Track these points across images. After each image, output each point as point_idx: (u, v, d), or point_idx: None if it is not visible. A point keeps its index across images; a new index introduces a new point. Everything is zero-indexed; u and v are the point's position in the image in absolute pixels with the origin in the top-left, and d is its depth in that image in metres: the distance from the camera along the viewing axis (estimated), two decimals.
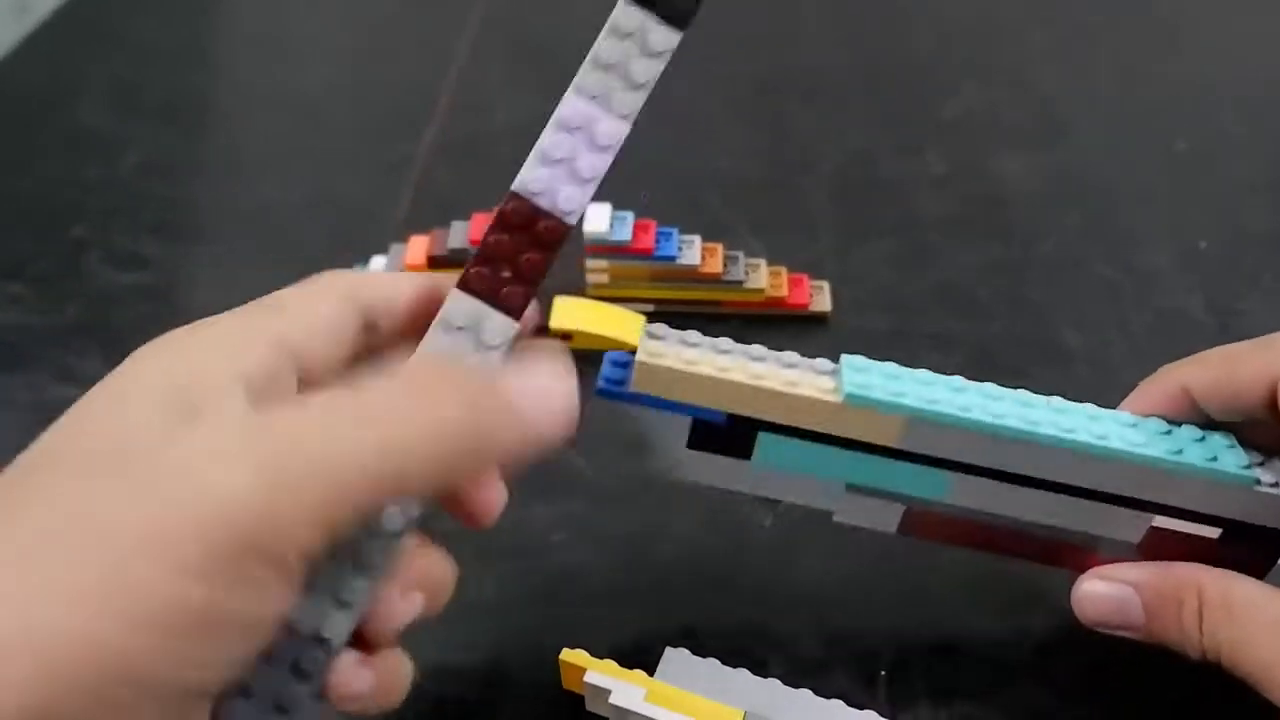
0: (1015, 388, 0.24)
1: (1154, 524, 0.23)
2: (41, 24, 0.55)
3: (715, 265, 0.36)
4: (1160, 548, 0.24)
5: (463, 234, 0.36)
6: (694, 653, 0.26)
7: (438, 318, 0.20)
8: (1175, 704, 0.26)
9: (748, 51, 0.53)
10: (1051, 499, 0.23)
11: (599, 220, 0.36)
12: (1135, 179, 0.44)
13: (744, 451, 0.23)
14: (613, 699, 0.24)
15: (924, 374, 0.23)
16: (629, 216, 0.36)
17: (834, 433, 0.23)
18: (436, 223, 0.37)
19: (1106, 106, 0.49)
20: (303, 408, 0.17)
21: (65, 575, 0.15)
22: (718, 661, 0.25)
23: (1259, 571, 0.23)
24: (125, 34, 0.55)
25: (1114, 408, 0.25)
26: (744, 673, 0.25)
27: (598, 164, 0.20)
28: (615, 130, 0.20)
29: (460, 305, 0.20)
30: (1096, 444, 0.22)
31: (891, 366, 0.23)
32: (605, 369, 0.24)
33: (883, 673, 0.27)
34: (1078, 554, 0.25)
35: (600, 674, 0.25)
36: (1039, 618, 0.28)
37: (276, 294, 0.21)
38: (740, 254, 0.37)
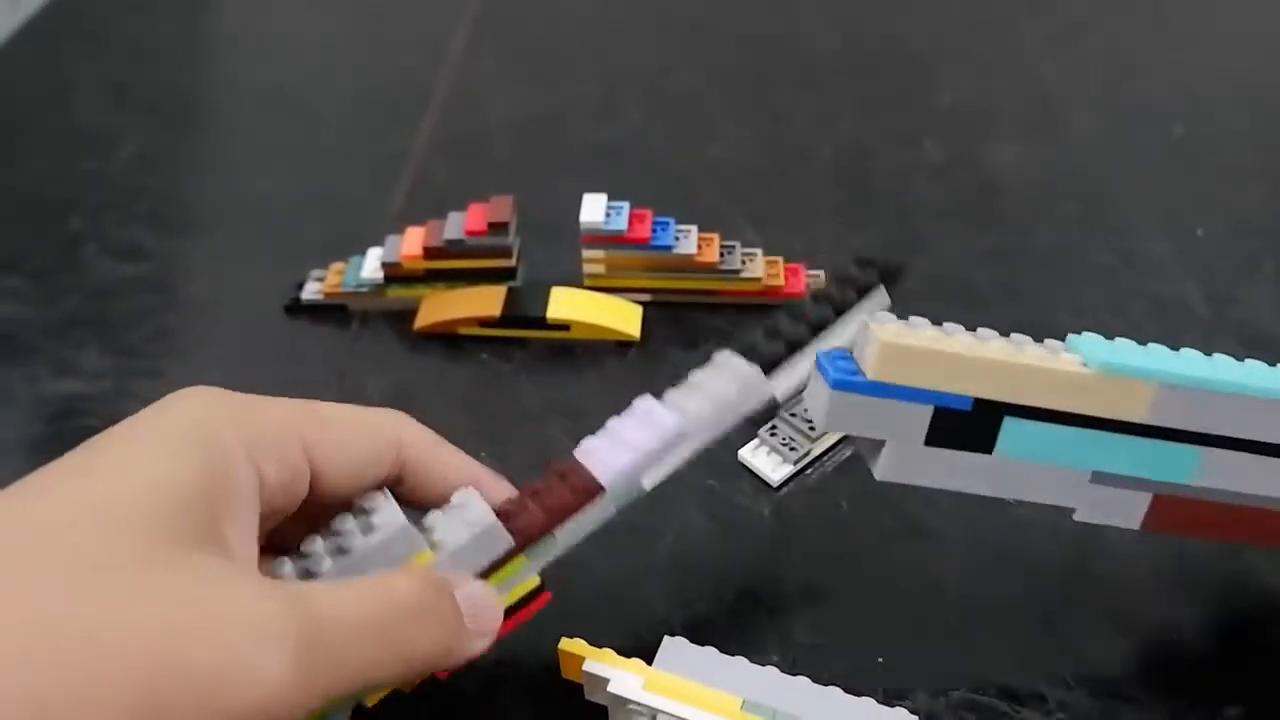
0: None
1: None
2: (32, 18, 0.55)
3: (711, 255, 0.36)
4: None
5: (459, 225, 0.36)
6: (692, 641, 0.26)
7: (457, 505, 0.22)
8: (1170, 682, 0.26)
9: (744, 41, 0.53)
10: None
11: (594, 210, 0.36)
12: (1132, 166, 0.44)
13: (986, 443, 0.22)
14: (611, 688, 0.24)
15: (1158, 348, 0.23)
16: (625, 206, 0.36)
17: (1084, 411, 0.22)
18: (432, 214, 0.37)
19: (1103, 94, 0.49)
20: (336, 600, 0.19)
21: None
22: (715, 650, 0.26)
23: None
24: (117, 28, 0.55)
25: None
26: (741, 660, 0.25)
27: (644, 439, 0.23)
28: (670, 420, 0.22)
29: (477, 510, 0.22)
30: None
31: (1124, 341, 0.23)
32: (832, 362, 0.22)
33: (880, 660, 0.27)
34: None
35: (599, 663, 0.25)
36: (1036, 604, 0.28)
37: (320, 407, 0.22)
38: (737, 243, 0.37)
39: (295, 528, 0.22)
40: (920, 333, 0.22)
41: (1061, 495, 0.23)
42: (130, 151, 0.46)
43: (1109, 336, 0.23)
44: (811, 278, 0.37)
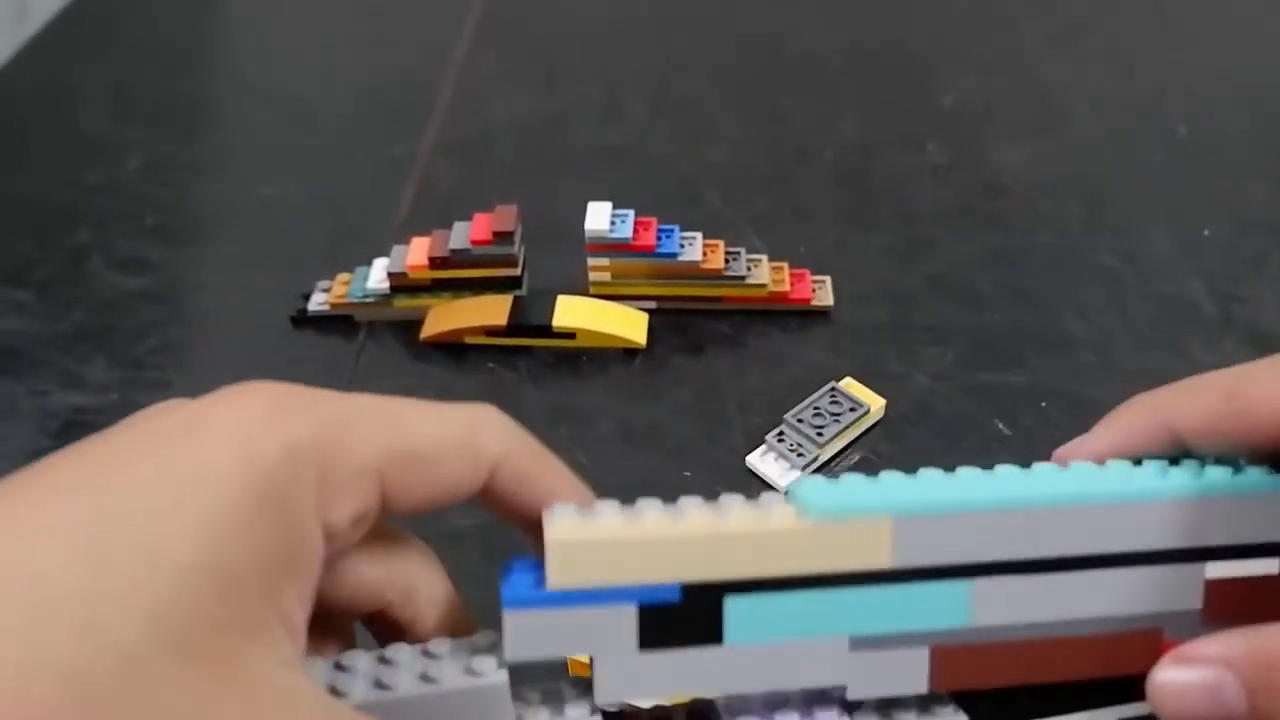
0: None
1: (1208, 577, 0.20)
2: (40, 30, 0.55)
3: (717, 261, 0.36)
4: (1226, 606, 0.20)
5: (464, 234, 0.36)
6: None
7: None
8: None
9: (746, 43, 0.53)
10: (1088, 581, 0.20)
11: (600, 218, 0.36)
12: (1136, 166, 0.44)
13: (712, 633, 0.18)
14: None
15: (890, 475, 0.20)
16: (629, 215, 0.36)
17: (815, 570, 0.18)
18: (437, 222, 0.37)
19: (1106, 94, 0.48)
20: None
21: None
22: None
23: None
24: (124, 38, 0.55)
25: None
26: None
27: None
28: None
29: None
30: (1121, 489, 0.19)
31: (851, 477, 0.20)
32: (512, 574, 0.18)
33: None
34: (1144, 645, 0.20)
35: None
36: None
37: (388, 400, 0.18)
38: (741, 250, 0.37)
39: None
40: (603, 520, 0.18)
41: (822, 674, 0.19)
42: (136, 162, 0.46)
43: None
44: (817, 283, 0.37)
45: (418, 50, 0.53)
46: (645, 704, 0.20)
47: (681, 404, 0.34)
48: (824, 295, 0.37)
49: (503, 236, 0.36)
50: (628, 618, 0.18)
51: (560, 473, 0.20)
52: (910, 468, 0.22)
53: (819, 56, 0.52)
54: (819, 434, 0.31)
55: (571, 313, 0.36)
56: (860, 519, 0.19)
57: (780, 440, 0.32)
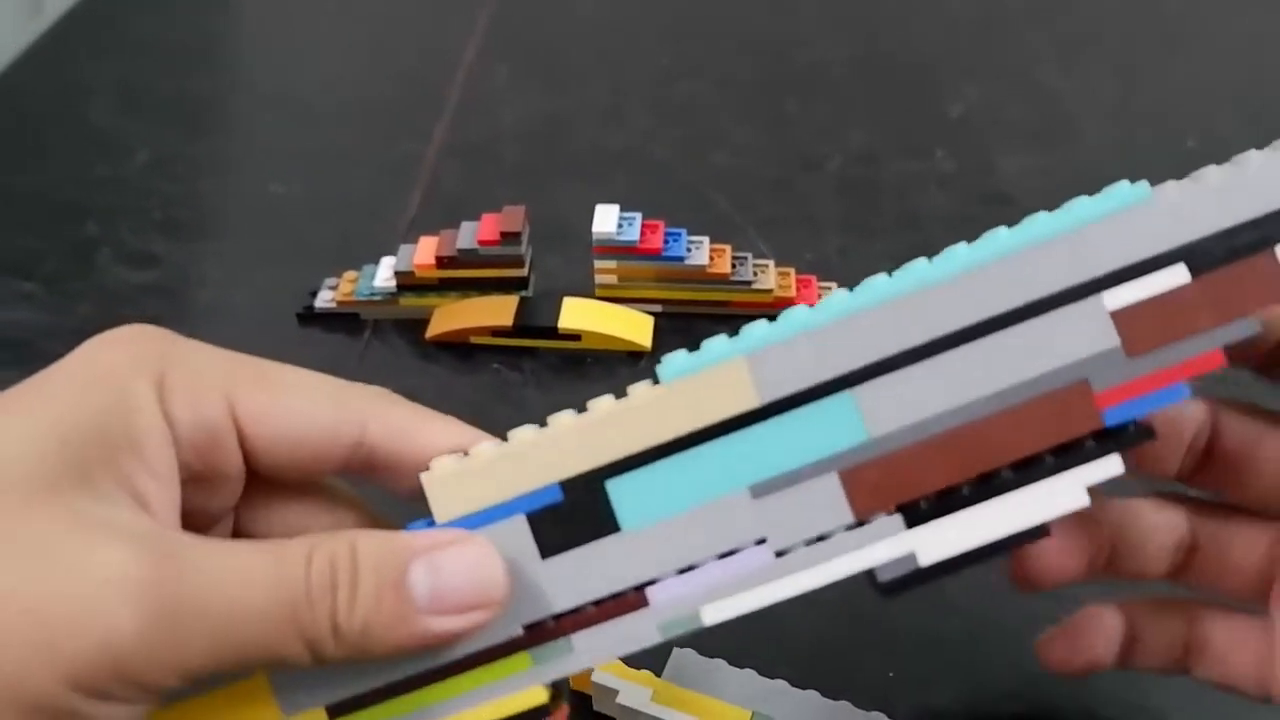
0: None
1: (1110, 308, 0.17)
2: (52, 25, 0.56)
3: (723, 266, 0.36)
4: (1148, 334, 0.18)
5: (471, 235, 0.36)
6: (701, 653, 0.26)
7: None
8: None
9: (753, 51, 0.53)
10: (979, 353, 0.18)
11: (607, 221, 0.36)
12: (1144, 177, 0.44)
13: (606, 523, 0.18)
14: (620, 699, 0.24)
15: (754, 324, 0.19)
16: (637, 218, 0.36)
17: (686, 430, 0.18)
18: (444, 223, 0.38)
19: (1115, 104, 0.48)
20: (217, 565, 0.17)
21: None
22: (724, 662, 0.26)
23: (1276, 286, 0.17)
24: (134, 35, 0.56)
25: None
26: (751, 673, 0.25)
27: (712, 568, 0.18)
28: (754, 559, 0.18)
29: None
30: (976, 251, 0.18)
31: (710, 339, 0.18)
32: (408, 528, 0.19)
33: (892, 674, 0.27)
34: (1074, 404, 0.18)
35: (608, 674, 0.25)
36: (1049, 617, 0.28)
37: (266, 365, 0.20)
38: (748, 255, 0.37)
39: (251, 516, 0.20)
40: (476, 452, 0.18)
41: (736, 534, 0.18)
42: (145, 157, 0.46)
43: None
44: (824, 289, 0.37)
45: (428, 51, 0.54)
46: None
47: None
48: None
49: (510, 237, 0.36)
50: (521, 530, 0.18)
51: (462, 428, 0.19)
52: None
53: (826, 63, 0.52)
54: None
55: (577, 315, 0.36)
56: (713, 368, 0.18)
57: None
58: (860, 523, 0.18)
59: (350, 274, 0.38)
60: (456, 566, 0.17)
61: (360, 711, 0.18)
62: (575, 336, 0.36)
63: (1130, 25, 0.55)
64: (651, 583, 0.18)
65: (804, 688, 0.25)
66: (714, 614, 0.18)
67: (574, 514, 0.18)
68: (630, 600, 0.18)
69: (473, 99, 0.50)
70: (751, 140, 0.47)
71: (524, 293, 0.37)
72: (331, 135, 0.48)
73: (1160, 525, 0.21)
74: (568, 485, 0.18)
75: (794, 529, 0.18)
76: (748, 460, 0.18)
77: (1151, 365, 0.17)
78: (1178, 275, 0.17)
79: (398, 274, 0.37)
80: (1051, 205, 0.19)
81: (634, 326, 0.36)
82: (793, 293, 0.37)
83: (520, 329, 0.36)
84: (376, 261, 0.38)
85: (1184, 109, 0.48)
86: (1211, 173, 0.18)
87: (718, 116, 0.49)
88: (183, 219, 0.43)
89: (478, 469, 0.18)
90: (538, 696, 0.18)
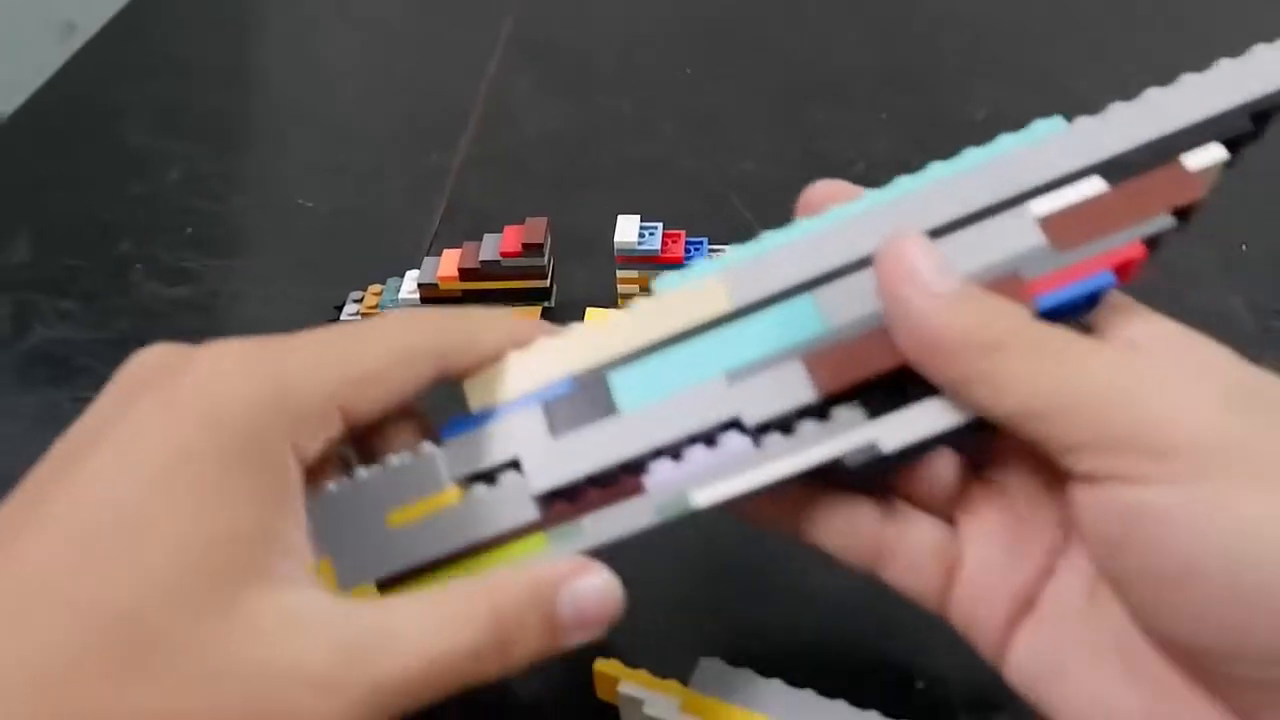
0: None
1: (1037, 214, 0.20)
2: (84, 45, 0.57)
3: None
4: (1070, 233, 0.20)
5: (494, 247, 0.37)
6: (728, 662, 0.26)
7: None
8: None
9: (776, 57, 0.53)
10: None
11: (629, 231, 0.36)
12: None
13: (607, 407, 0.21)
14: (647, 709, 0.24)
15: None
16: (658, 228, 0.37)
17: (670, 332, 0.21)
18: (469, 235, 0.38)
19: None
20: (380, 619, 0.18)
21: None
22: (752, 671, 0.25)
23: (1186, 187, 0.20)
24: (167, 53, 0.57)
25: None
26: (778, 683, 0.25)
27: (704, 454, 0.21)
28: (737, 445, 0.21)
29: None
30: (912, 181, 0.21)
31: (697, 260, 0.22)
32: (449, 423, 0.22)
33: (919, 684, 0.26)
34: (1008, 293, 0.20)
35: (634, 684, 0.25)
36: None
37: (335, 334, 0.21)
38: None
39: None
40: (510, 358, 0.22)
41: (714, 411, 0.21)
42: (178, 175, 0.47)
43: None
44: None
45: (451, 66, 0.54)
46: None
47: None
48: None
49: (532, 249, 0.36)
50: (536, 417, 0.21)
51: (495, 324, 0.22)
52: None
53: (850, 70, 0.52)
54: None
55: None
56: (692, 284, 0.21)
57: None
58: (824, 402, 0.20)
59: (375, 287, 0.39)
60: (589, 594, 0.20)
61: (401, 585, 0.21)
62: None
63: (1154, 29, 0.54)
64: (644, 469, 0.21)
65: (832, 697, 0.25)
66: (703, 497, 0.20)
67: (581, 401, 0.21)
68: (629, 486, 0.21)
69: (495, 111, 0.50)
70: (774, 148, 0.47)
71: (546, 303, 0.37)
72: (357, 151, 0.49)
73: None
74: (578, 379, 0.21)
75: (763, 407, 0.20)
76: (724, 353, 0.21)
77: (1077, 257, 0.20)
78: (1095, 185, 0.20)
79: (421, 286, 0.37)
80: None
81: None
82: None
83: None
84: (401, 275, 0.38)
85: None
86: (1116, 107, 0.21)
87: (741, 125, 0.49)
88: (215, 235, 0.44)
89: (504, 369, 0.22)
90: None
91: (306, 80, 0.55)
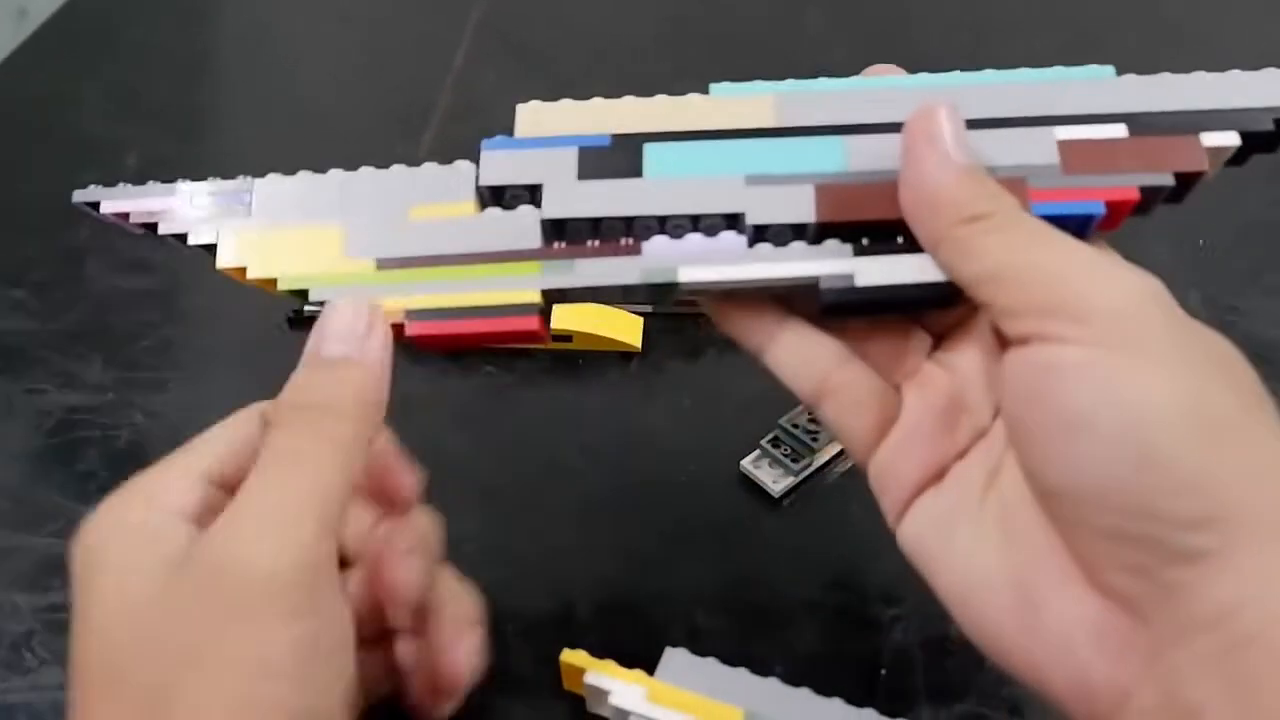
0: None
1: (1059, 138, 0.22)
2: (39, 29, 0.55)
3: None
4: (1080, 162, 0.22)
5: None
6: (694, 652, 0.26)
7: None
8: None
9: (751, 52, 0.53)
10: None
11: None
12: None
13: (634, 169, 0.23)
14: (613, 699, 0.24)
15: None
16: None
17: (714, 126, 0.23)
18: None
19: None
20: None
21: None
22: (717, 661, 0.26)
23: (1195, 157, 0.22)
24: (123, 38, 0.55)
25: None
26: (744, 672, 0.25)
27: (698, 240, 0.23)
28: (735, 242, 0.23)
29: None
30: (967, 77, 0.23)
31: (758, 82, 0.24)
32: (494, 138, 0.24)
33: (883, 672, 0.27)
34: (1012, 190, 0.22)
35: (600, 674, 0.25)
36: None
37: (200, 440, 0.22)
38: None
39: None
40: (560, 103, 0.24)
41: (726, 202, 0.22)
42: (135, 162, 0.46)
43: None
44: None
45: (417, 55, 0.53)
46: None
47: (677, 408, 0.34)
48: None
49: None
50: (569, 157, 0.23)
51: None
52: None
53: (828, 65, 0.52)
54: (813, 439, 0.31)
55: (568, 316, 0.36)
56: (751, 95, 0.23)
57: (775, 446, 0.32)
58: (820, 231, 0.22)
59: None
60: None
61: (400, 270, 0.23)
62: (567, 338, 0.36)
63: (1132, 26, 0.55)
64: (645, 236, 0.22)
65: (796, 685, 0.25)
66: (688, 274, 0.22)
67: (614, 157, 0.23)
68: (626, 245, 0.22)
69: (462, 103, 0.50)
70: None
71: None
72: (320, 140, 0.48)
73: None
74: (617, 139, 0.23)
75: (767, 213, 0.22)
76: (752, 159, 0.23)
77: (1080, 183, 0.22)
78: (1118, 130, 0.22)
79: None
80: None
81: (624, 327, 0.36)
82: None
83: None
84: None
85: None
86: (1164, 76, 0.23)
87: None
88: None
89: (555, 108, 0.24)
90: (533, 296, 0.22)
91: (267, 67, 0.54)
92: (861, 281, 0.21)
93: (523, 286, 0.22)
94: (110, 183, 0.26)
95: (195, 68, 0.54)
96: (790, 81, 0.24)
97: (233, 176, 0.26)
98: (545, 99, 0.25)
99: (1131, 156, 0.22)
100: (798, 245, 0.22)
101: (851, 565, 0.29)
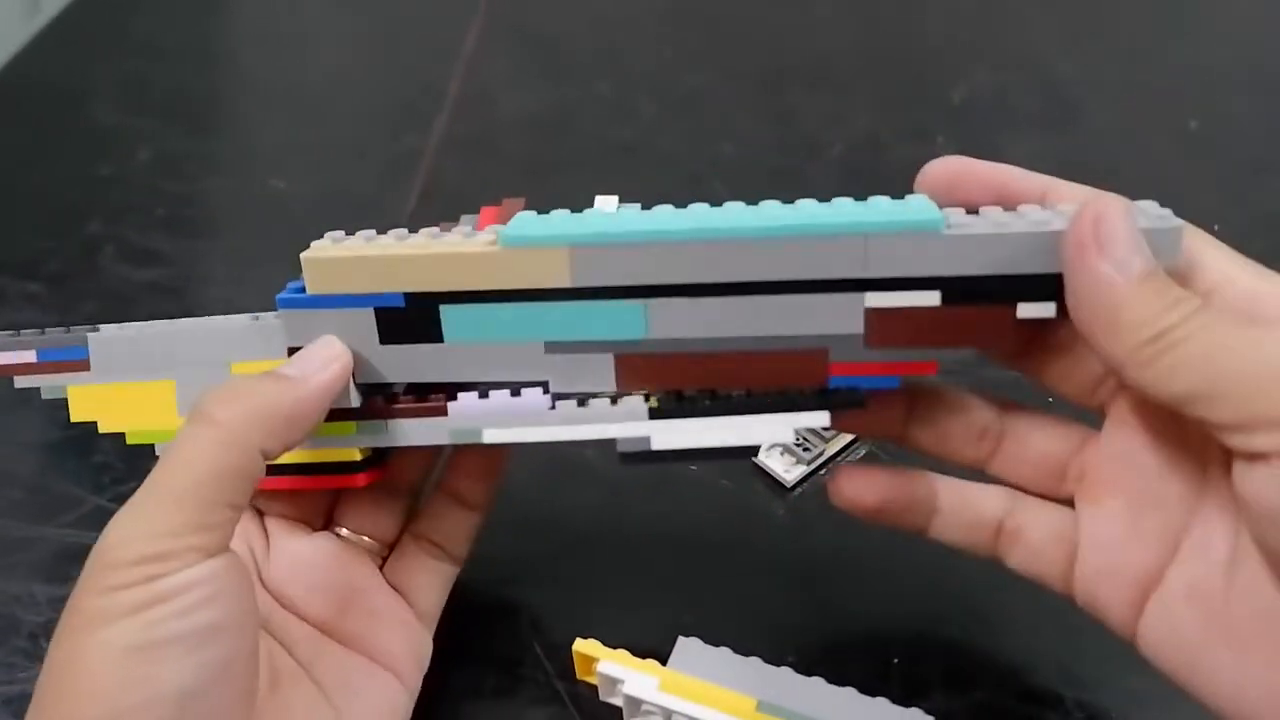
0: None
1: (867, 306, 0.21)
2: (52, 22, 0.56)
3: None
4: (887, 334, 0.21)
5: (471, 228, 0.36)
6: (706, 641, 0.26)
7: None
8: None
9: (756, 38, 0.53)
10: (755, 305, 0.22)
11: (605, 209, 0.36)
12: (1147, 161, 0.44)
13: (434, 333, 0.23)
14: (625, 689, 0.24)
15: (591, 211, 0.24)
16: (636, 209, 0.36)
17: (507, 286, 0.22)
18: (444, 216, 0.37)
19: (1117, 88, 0.48)
20: None
21: None
22: (730, 650, 0.26)
23: (1003, 333, 0.21)
24: (135, 31, 0.56)
25: None
26: (756, 661, 0.25)
27: (502, 399, 0.24)
28: (539, 402, 0.23)
29: None
30: (770, 224, 0.21)
31: (559, 213, 0.23)
32: (289, 287, 0.23)
33: (895, 660, 0.27)
34: (811, 363, 0.22)
35: (613, 664, 0.25)
36: (1054, 604, 0.28)
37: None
38: None
39: None
40: (351, 244, 0.23)
41: (527, 370, 0.23)
42: (147, 155, 0.46)
43: None
44: None
45: (427, 44, 0.53)
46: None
47: None
48: None
49: None
50: (368, 318, 0.23)
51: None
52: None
53: (829, 51, 0.52)
54: (826, 429, 0.31)
55: None
56: (543, 247, 0.22)
57: None
58: (619, 396, 0.23)
59: None
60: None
61: None
62: None
63: (1132, 9, 0.54)
64: (454, 396, 0.23)
65: (809, 674, 0.25)
66: (491, 435, 0.23)
67: (411, 320, 0.23)
68: (435, 406, 0.23)
69: (472, 92, 0.49)
70: (754, 129, 0.47)
71: None
72: (332, 130, 0.48)
73: (968, 407, 0.23)
74: (410, 298, 0.23)
75: (569, 383, 0.23)
76: (548, 322, 0.22)
77: (880, 358, 0.22)
78: (931, 299, 0.21)
79: None
80: None
81: None
82: None
83: None
84: None
85: (1186, 91, 0.48)
86: (993, 215, 0.21)
87: (721, 107, 0.48)
88: (185, 216, 0.43)
89: (342, 259, 0.23)
90: (352, 454, 0.24)
91: (278, 58, 0.54)
92: (658, 445, 0.22)
93: (344, 444, 0.24)
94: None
95: (206, 59, 0.54)
96: (591, 219, 0.22)
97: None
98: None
99: (941, 330, 0.21)
100: (600, 403, 0.23)
101: (864, 554, 0.29)
